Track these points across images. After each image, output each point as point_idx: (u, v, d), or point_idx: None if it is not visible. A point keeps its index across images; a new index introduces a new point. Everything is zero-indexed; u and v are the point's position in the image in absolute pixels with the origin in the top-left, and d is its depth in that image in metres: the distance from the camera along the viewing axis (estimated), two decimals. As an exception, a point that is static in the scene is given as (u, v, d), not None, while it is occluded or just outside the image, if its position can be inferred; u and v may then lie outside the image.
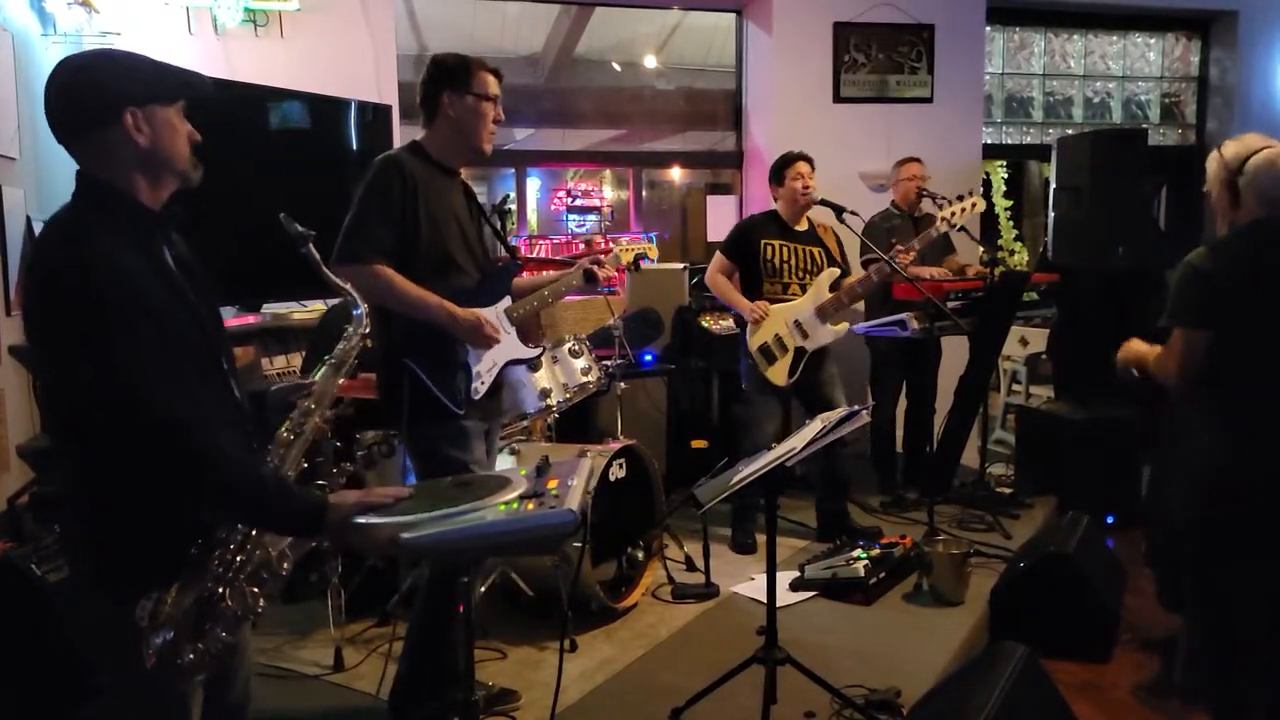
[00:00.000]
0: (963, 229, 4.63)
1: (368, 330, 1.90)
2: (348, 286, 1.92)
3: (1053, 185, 5.23)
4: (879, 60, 5.83)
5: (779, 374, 4.07)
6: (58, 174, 1.61)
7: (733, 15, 6.12)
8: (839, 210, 4.02)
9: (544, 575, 3.39)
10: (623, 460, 3.50)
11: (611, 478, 3.42)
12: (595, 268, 2.85)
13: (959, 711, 2.05)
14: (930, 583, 3.62)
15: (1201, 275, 2.34)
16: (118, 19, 4.24)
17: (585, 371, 3.57)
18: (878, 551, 3.79)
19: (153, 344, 1.45)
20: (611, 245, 5.91)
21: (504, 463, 3.40)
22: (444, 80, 2.56)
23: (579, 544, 3.00)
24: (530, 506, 1.65)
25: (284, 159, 4.17)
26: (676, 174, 7.93)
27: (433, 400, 2.44)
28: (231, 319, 4.07)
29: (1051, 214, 5.21)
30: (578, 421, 4.54)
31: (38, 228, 1.51)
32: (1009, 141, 6.89)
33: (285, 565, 1.61)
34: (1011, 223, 8.70)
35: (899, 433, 5.05)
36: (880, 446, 4.99)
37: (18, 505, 3.12)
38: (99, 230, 1.49)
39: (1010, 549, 3.91)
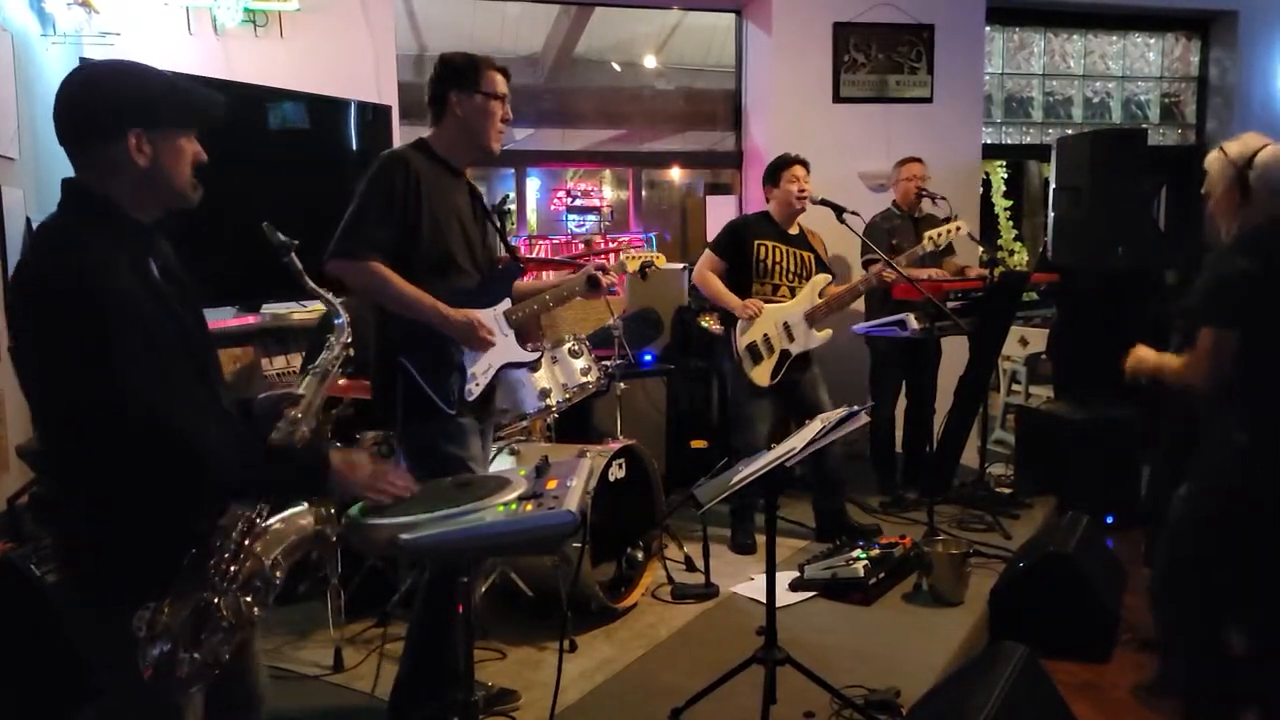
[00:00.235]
0: (971, 236, 4.66)
1: (349, 340, 1.91)
2: (329, 296, 1.92)
3: (1052, 185, 5.23)
4: (879, 60, 5.83)
5: (762, 375, 4.08)
6: (58, 174, 1.60)
7: (732, 15, 6.12)
8: (839, 210, 4.03)
9: (544, 575, 3.39)
10: (622, 460, 3.49)
11: (611, 478, 3.42)
12: (600, 274, 2.82)
13: (959, 711, 2.05)
14: (930, 583, 3.62)
15: (1241, 273, 2.29)
16: (117, 19, 4.24)
17: (585, 371, 3.57)
18: (877, 551, 3.79)
19: (141, 350, 1.45)
20: (611, 245, 5.96)
21: (504, 463, 3.40)
22: (452, 79, 2.54)
23: (579, 544, 3.00)
24: (529, 507, 1.66)
25: (284, 159, 4.17)
26: (676, 174, 7.94)
27: (426, 399, 2.44)
28: (231, 319, 4.07)
29: (1051, 214, 5.22)
30: (577, 421, 4.54)
31: (33, 230, 1.51)
32: (1009, 141, 6.89)
33: (278, 574, 1.60)
34: (1011, 223, 8.70)
35: (899, 433, 5.05)
36: (880, 446, 4.99)
37: (18, 505, 3.12)
38: (88, 238, 1.49)
39: (1010, 549, 3.91)
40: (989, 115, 6.62)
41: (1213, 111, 7.03)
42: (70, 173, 1.58)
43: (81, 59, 3.69)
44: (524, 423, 3.62)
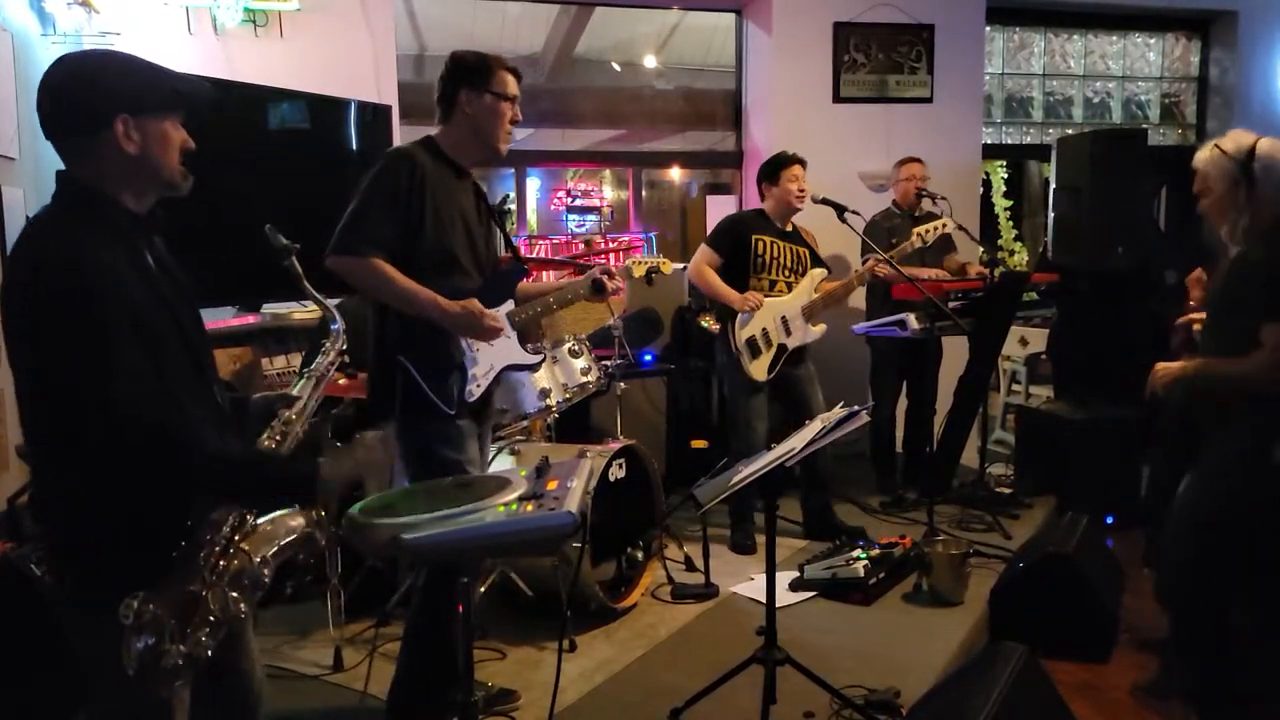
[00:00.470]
0: (962, 228, 4.65)
1: (345, 346, 1.91)
2: (326, 301, 1.92)
3: (1052, 185, 5.23)
4: (879, 60, 5.84)
5: (760, 369, 4.08)
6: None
7: (733, 15, 6.12)
8: (840, 209, 4.03)
9: (544, 575, 3.39)
10: (622, 460, 3.50)
11: (611, 478, 3.42)
12: (605, 279, 2.77)
13: (958, 711, 2.05)
14: (930, 583, 3.62)
15: None
16: (118, 19, 4.24)
17: (585, 371, 3.57)
18: (877, 552, 3.79)
19: (136, 345, 1.44)
20: (611, 245, 5.96)
21: (504, 463, 3.40)
22: (463, 77, 2.52)
23: (579, 544, 3.00)
24: (529, 508, 1.66)
25: (284, 159, 4.17)
26: (676, 174, 7.94)
27: (425, 400, 2.41)
28: (232, 319, 4.07)
29: (1051, 214, 5.21)
30: (577, 421, 4.54)
31: (25, 224, 1.51)
32: (1009, 141, 6.89)
33: (266, 573, 1.61)
34: (1011, 223, 8.70)
35: (899, 433, 5.05)
36: (880, 446, 4.99)
37: (17, 505, 3.13)
38: (81, 231, 1.48)
39: (1010, 549, 3.91)
40: (989, 115, 6.62)
41: (1213, 111, 7.03)
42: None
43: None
44: (524, 423, 3.62)
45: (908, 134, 5.68)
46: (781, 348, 4.10)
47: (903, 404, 5.02)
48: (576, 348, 3.60)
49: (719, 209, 6.35)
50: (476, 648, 2.71)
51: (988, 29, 6.26)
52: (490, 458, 3.08)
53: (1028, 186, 9.00)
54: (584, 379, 3.55)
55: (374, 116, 4.60)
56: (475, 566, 2.65)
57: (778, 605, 2.69)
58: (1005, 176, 8.56)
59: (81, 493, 1.50)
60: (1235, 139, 2.43)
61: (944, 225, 4.37)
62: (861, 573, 3.61)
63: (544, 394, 3.44)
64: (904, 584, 3.73)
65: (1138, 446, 4.60)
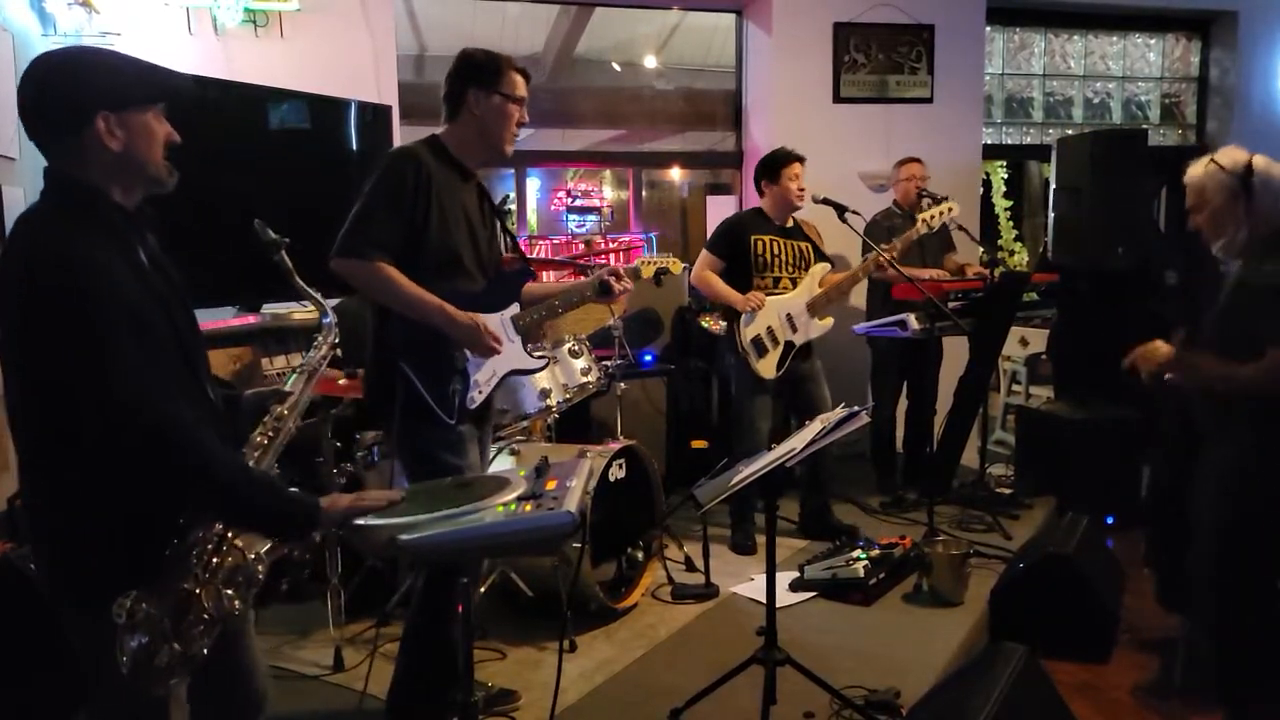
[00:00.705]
0: (962, 228, 4.65)
1: (337, 340, 1.90)
2: (317, 295, 1.91)
3: (1053, 185, 5.23)
4: (879, 60, 5.84)
5: (768, 367, 4.08)
6: (57, 174, 1.59)
7: (733, 15, 6.12)
8: (841, 209, 4.03)
9: (544, 575, 3.39)
10: (622, 460, 3.49)
11: (611, 478, 3.42)
12: (613, 280, 2.70)
13: (958, 712, 2.05)
14: (930, 583, 3.62)
15: None
16: (118, 19, 4.24)
17: (585, 372, 3.57)
18: (877, 552, 3.79)
19: (132, 343, 1.43)
20: (612, 245, 5.96)
21: (504, 463, 3.40)
22: (472, 76, 2.48)
23: (579, 544, 3.00)
24: (529, 508, 1.66)
25: (284, 159, 4.17)
26: (676, 174, 7.94)
27: (426, 407, 2.37)
28: (232, 319, 4.07)
29: (1051, 214, 5.21)
30: (577, 422, 4.54)
31: (13, 221, 1.49)
32: (1009, 142, 6.89)
33: (260, 569, 1.60)
34: (1011, 223, 8.70)
35: (899, 433, 5.05)
36: (880, 447, 4.99)
37: (17, 505, 3.12)
38: (74, 228, 1.47)
39: (1010, 549, 3.91)
40: (989, 115, 6.62)
41: (1213, 112, 7.03)
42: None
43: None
44: (524, 423, 3.62)
45: (908, 134, 5.68)
46: (789, 345, 4.10)
47: (903, 404, 5.01)
48: (576, 348, 3.60)
49: (719, 209, 6.35)
50: (476, 648, 2.71)
51: (988, 29, 6.26)
52: (490, 458, 3.07)
53: (1028, 187, 9.01)
54: (584, 379, 3.55)
55: (374, 117, 4.61)
56: (475, 567, 2.65)
57: (778, 605, 2.69)
58: (1005, 177, 8.56)
59: (74, 491, 1.50)
60: (1230, 154, 2.48)
61: (949, 209, 4.32)
62: (861, 573, 3.61)
63: (544, 394, 3.43)
64: (904, 584, 3.73)
65: (1138, 446, 4.60)
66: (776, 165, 4.15)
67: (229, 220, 3.31)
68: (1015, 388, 6.19)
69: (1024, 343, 5.92)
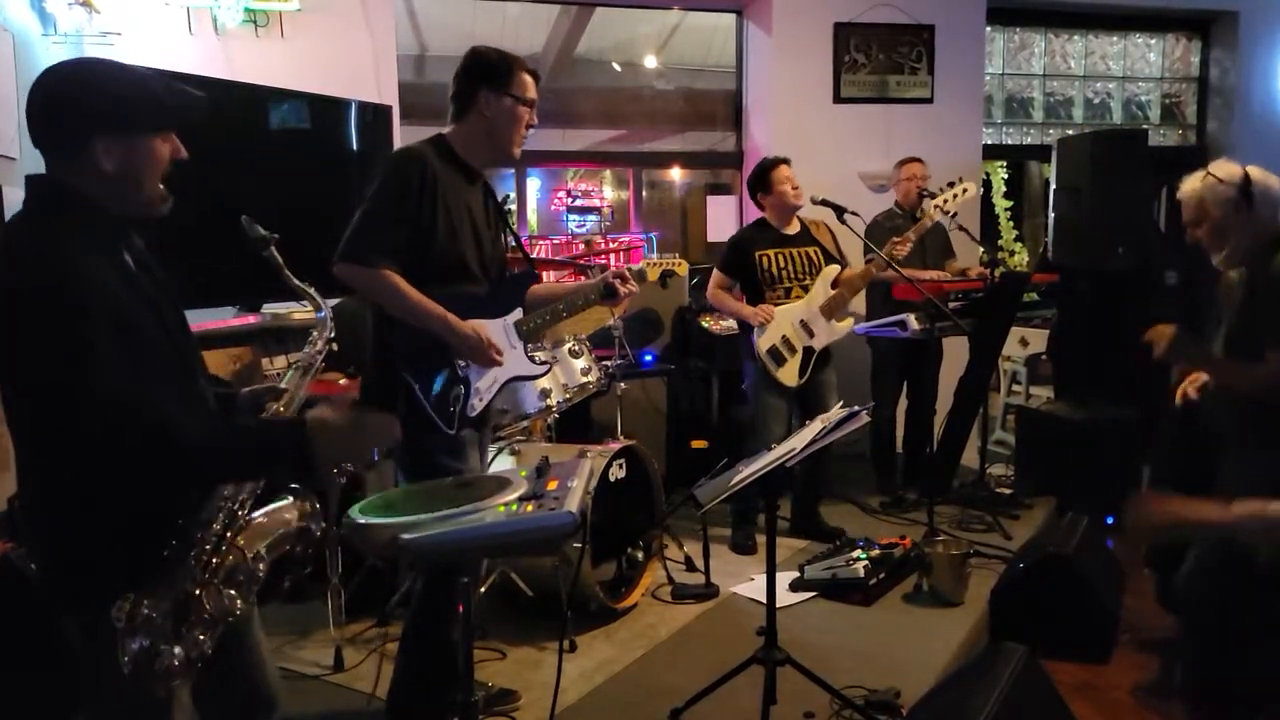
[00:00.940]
0: (962, 228, 4.64)
1: (332, 335, 1.89)
2: (311, 291, 1.90)
3: (1053, 185, 5.23)
4: (879, 60, 5.84)
5: (789, 375, 4.07)
6: (58, 174, 1.59)
7: (733, 15, 6.12)
8: (840, 210, 4.03)
9: (544, 575, 3.39)
10: (623, 461, 3.49)
11: (611, 478, 3.42)
12: (618, 283, 2.67)
13: (959, 712, 2.05)
14: (930, 583, 3.62)
15: None
16: (118, 19, 4.24)
17: (585, 372, 3.57)
18: (877, 552, 3.79)
19: (117, 344, 1.43)
20: (612, 245, 5.96)
21: (504, 463, 3.40)
22: (484, 76, 2.43)
23: (579, 544, 3.00)
24: (530, 508, 1.66)
25: (284, 159, 4.17)
26: (676, 174, 7.94)
27: (427, 417, 2.33)
28: (232, 319, 4.07)
29: (1051, 214, 5.22)
30: (578, 422, 4.54)
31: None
32: (1009, 142, 6.89)
33: (261, 567, 1.60)
34: (1011, 223, 8.70)
35: (899, 433, 5.05)
36: (880, 447, 4.99)
37: (18, 505, 3.12)
38: (61, 234, 1.46)
39: (1010, 549, 3.91)
40: (989, 116, 6.62)
41: (1213, 112, 7.03)
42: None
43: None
44: (524, 423, 3.62)
45: (908, 134, 5.68)
46: (808, 350, 4.08)
47: (903, 404, 5.01)
48: (576, 348, 3.60)
49: (719, 209, 6.35)
50: (476, 648, 2.71)
51: (988, 29, 6.26)
52: (490, 458, 3.07)
53: (1028, 187, 9.01)
54: (584, 379, 3.55)
55: (374, 117, 4.60)
56: (475, 567, 2.64)
57: (778, 605, 2.69)
58: (1005, 177, 8.57)
59: (68, 493, 1.50)
60: (1225, 167, 2.50)
61: (965, 191, 4.24)
62: (861, 573, 3.61)
63: (544, 394, 3.43)
64: (904, 584, 3.73)
65: (1138, 446, 4.60)
66: (765, 173, 4.15)
67: (229, 220, 3.32)
68: (1015, 388, 6.19)
69: (1024, 343, 5.92)
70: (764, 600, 2.68)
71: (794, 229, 4.20)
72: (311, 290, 1.92)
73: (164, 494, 1.53)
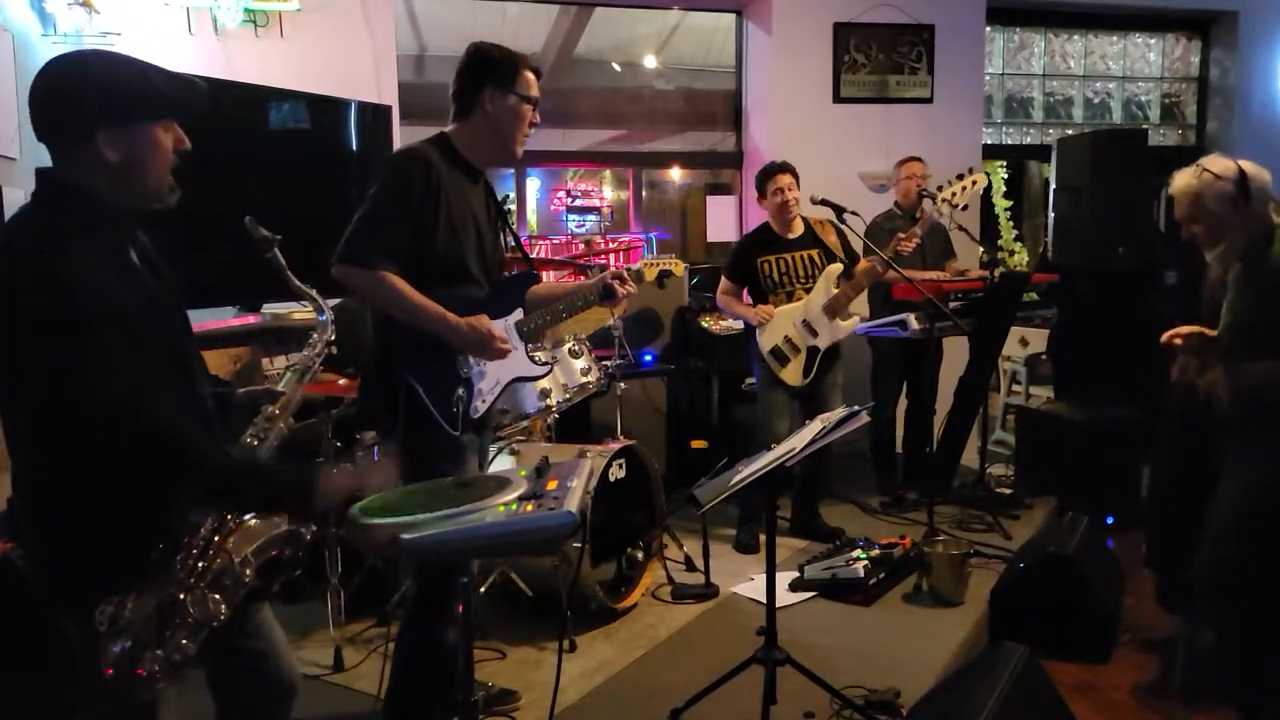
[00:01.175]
0: (962, 228, 4.64)
1: (332, 338, 1.88)
2: (313, 293, 1.89)
3: (1053, 185, 5.23)
4: (879, 60, 5.84)
5: (793, 375, 4.08)
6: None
7: (733, 15, 6.12)
8: (839, 211, 4.03)
9: (544, 575, 3.39)
10: (622, 460, 3.50)
11: (611, 478, 3.42)
12: (616, 284, 2.65)
13: (958, 712, 2.05)
14: (930, 583, 3.62)
15: None
16: (118, 19, 4.24)
17: (585, 372, 3.56)
18: (877, 552, 3.79)
19: (117, 342, 1.43)
20: (611, 245, 5.96)
21: (504, 463, 3.40)
22: (488, 74, 2.38)
23: (579, 544, 3.00)
24: (529, 507, 1.66)
25: (284, 159, 4.17)
26: (676, 174, 7.94)
27: (429, 418, 2.31)
28: (232, 319, 4.07)
29: (1051, 214, 5.22)
30: (578, 422, 4.54)
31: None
32: (1009, 142, 6.89)
33: (248, 572, 1.59)
34: (1011, 223, 8.70)
35: (899, 433, 5.05)
36: (880, 447, 4.99)
37: (17, 506, 3.12)
38: (63, 232, 1.46)
39: (1010, 549, 3.91)
40: (989, 115, 6.62)
41: (1213, 112, 7.03)
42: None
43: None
44: (524, 423, 3.61)
45: (908, 134, 5.68)
46: (812, 350, 4.08)
47: (903, 404, 5.01)
48: (576, 348, 3.60)
49: (719, 209, 6.35)
50: (476, 648, 2.71)
51: (988, 29, 6.26)
52: (490, 458, 3.06)
53: (1028, 187, 9.01)
54: (584, 379, 3.55)
55: (374, 117, 4.60)
56: (465, 567, 2.63)
57: (778, 605, 2.69)
58: (1005, 177, 8.56)
59: (62, 493, 1.50)
60: (1218, 163, 2.48)
61: (975, 183, 4.19)
62: (861, 573, 3.61)
63: (544, 394, 3.43)
64: (904, 584, 3.73)
65: (1138, 446, 4.60)
66: (763, 180, 4.17)
67: (228, 220, 3.32)
68: (1015, 388, 6.19)
69: (1024, 343, 5.92)
70: (764, 600, 2.68)
71: (796, 232, 4.21)
72: (314, 293, 1.91)
73: (153, 494, 1.52)
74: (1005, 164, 8.40)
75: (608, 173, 8.69)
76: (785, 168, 4.15)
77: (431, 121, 2.57)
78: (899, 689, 2.85)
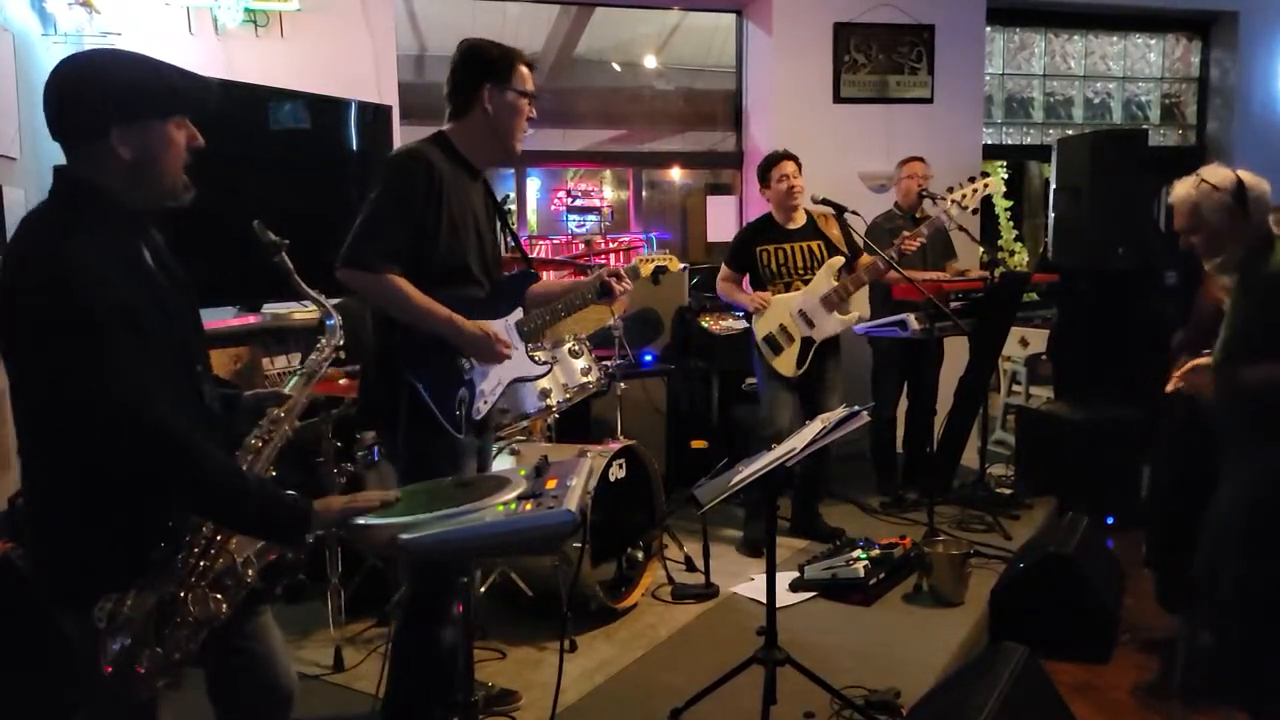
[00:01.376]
0: (962, 229, 4.64)
1: (340, 342, 1.88)
2: (320, 297, 1.89)
3: (1053, 185, 5.24)
4: (879, 61, 5.84)
5: (786, 364, 4.08)
6: (59, 174, 1.59)
7: (733, 15, 6.12)
8: (840, 210, 4.03)
9: (544, 575, 3.39)
10: (623, 460, 3.50)
11: (611, 478, 3.42)
12: (613, 281, 2.65)
13: (958, 712, 2.05)
14: (930, 583, 3.62)
15: None
16: (118, 19, 4.24)
17: (585, 372, 3.56)
18: (877, 552, 3.79)
19: (122, 343, 1.43)
20: (612, 245, 5.96)
21: (504, 463, 3.40)
22: (486, 71, 2.36)
23: (579, 544, 3.00)
24: (529, 507, 1.66)
25: (284, 159, 4.17)
26: (676, 174, 7.94)
27: (432, 420, 2.30)
28: (232, 319, 4.07)
29: (1051, 214, 5.22)
30: (578, 421, 4.54)
31: (18, 223, 1.50)
32: (1009, 142, 6.89)
33: (250, 573, 1.59)
34: (1011, 223, 8.69)
35: (899, 433, 5.05)
36: (880, 447, 4.99)
37: (18, 505, 3.12)
38: (75, 230, 1.47)
39: (1010, 550, 3.91)
40: (989, 116, 6.62)
41: (1213, 112, 7.03)
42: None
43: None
44: (524, 423, 3.61)
45: (908, 134, 5.68)
46: (807, 341, 4.08)
47: (903, 404, 5.01)
48: (576, 348, 3.60)
49: (719, 209, 6.35)
50: (476, 648, 2.71)
51: (988, 29, 6.26)
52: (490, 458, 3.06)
53: (1028, 187, 9.01)
54: (584, 379, 3.55)
55: (374, 117, 4.60)
56: (471, 566, 2.62)
57: (778, 605, 2.69)
58: (1006, 177, 8.55)
59: (66, 492, 1.50)
60: (1217, 173, 2.50)
61: (986, 186, 4.18)
62: (861, 573, 3.61)
63: (544, 394, 3.43)
64: (904, 584, 3.73)
65: (1138, 446, 4.60)
66: (767, 168, 4.18)
67: (229, 220, 3.32)
68: (1015, 388, 6.19)
69: (1024, 343, 5.92)
70: (764, 600, 2.68)
71: (798, 223, 4.21)
72: (322, 298, 1.90)
73: (155, 495, 1.52)
74: (1005, 164, 8.40)
75: (608, 173, 8.69)
76: (789, 155, 4.16)
77: (431, 121, 2.55)
78: (899, 689, 2.85)
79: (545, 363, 2.64)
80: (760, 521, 4.21)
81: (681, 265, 5.38)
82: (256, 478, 1.63)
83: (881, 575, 3.67)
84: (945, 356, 4.87)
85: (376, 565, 3.50)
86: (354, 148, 4.52)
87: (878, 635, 3.34)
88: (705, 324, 5.01)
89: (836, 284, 4.06)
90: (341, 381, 3.11)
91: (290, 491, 1.60)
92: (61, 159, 1.57)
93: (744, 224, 5.99)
